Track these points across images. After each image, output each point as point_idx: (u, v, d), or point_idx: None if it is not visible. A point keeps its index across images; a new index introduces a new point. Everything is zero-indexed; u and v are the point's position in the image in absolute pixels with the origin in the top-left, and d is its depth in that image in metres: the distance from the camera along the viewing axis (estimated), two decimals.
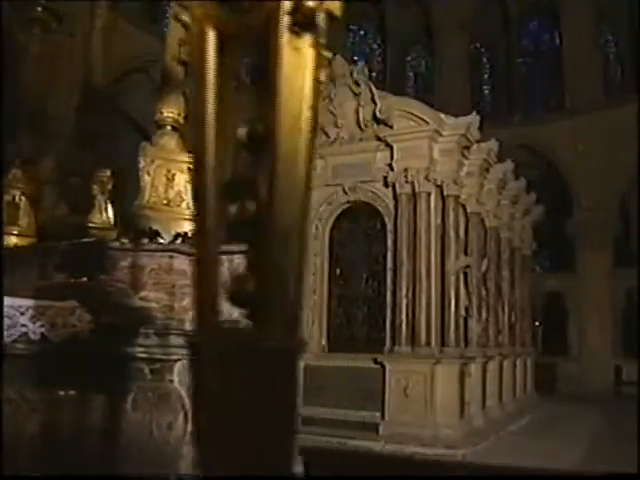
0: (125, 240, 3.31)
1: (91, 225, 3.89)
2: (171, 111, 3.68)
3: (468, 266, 11.00)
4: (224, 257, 3.39)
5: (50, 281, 3.29)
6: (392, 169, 10.41)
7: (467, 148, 10.87)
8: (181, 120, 3.74)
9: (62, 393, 3.03)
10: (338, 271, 11.39)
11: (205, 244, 1.11)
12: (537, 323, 23.72)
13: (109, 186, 3.94)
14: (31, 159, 4.52)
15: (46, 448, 2.89)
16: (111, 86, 16.08)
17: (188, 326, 3.02)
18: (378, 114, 10.41)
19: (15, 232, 4.15)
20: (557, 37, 25.06)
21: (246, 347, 0.98)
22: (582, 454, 9.58)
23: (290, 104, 0.94)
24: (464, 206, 11.37)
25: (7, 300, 2.81)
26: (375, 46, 28.86)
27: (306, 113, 0.95)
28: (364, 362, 10.14)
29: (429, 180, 10.19)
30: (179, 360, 3.15)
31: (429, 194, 10.27)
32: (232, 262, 3.33)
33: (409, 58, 28.59)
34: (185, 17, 3.36)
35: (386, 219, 10.79)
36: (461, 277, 10.64)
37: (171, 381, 3.11)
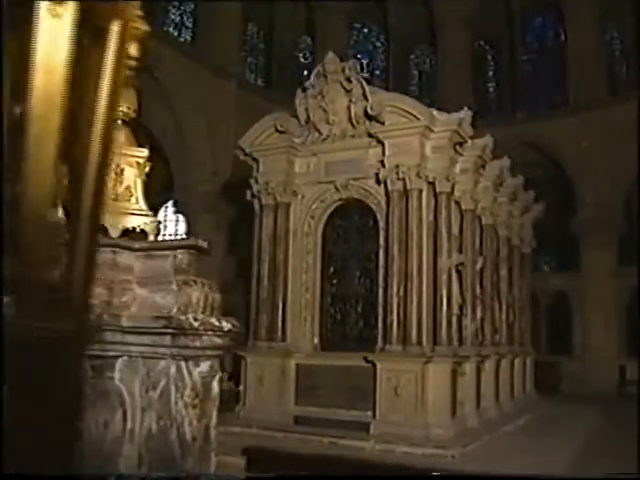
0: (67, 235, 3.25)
1: None
2: (121, 105, 3.62)
3: (462, 264, 10.88)
4: (168, 252, 3.34)
5: None
6: (384, 166, 10.30)
7: (460, 144, 10.74)
8: (132, 114, 3.68)
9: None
10: (331, 269, 11.31)
11: None
12: (547, 322, 23.57)
13: (66, 181, 3.87)
14: None
15: None
16: None
17: (124, 322, 2.95)
18: (369, 110, 10.30)
19: None
20: (562, 33, 24.84)
21: (9, 336, 0.90)
22: (576, 454, 9.44)
23: (46, 83, 0.87)
24: (459, 203, 11.27)
25: None
26: (378, 44, 28.72)
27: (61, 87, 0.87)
28: (356, 361, 10.05)
29: (420, 177, 10.08)
30: (120, 357, 3.10)
31: (420, 191, 10.15)
32: (176, 258, 3.27)
33: (413, 56, 28.46)
34: None
35: (378, 216, 10.69)
36: (454, 275, 10.52)
37: (111, 378, 3.05)
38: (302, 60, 27.61)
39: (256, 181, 11.46)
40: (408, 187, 10.10)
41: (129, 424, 3.00)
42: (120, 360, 3.07)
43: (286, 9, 25.80)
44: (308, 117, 11.09)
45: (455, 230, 11.00)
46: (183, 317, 2.89)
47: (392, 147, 10.23)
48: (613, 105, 20.87)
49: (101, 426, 2.98)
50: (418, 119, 10.03)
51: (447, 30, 25.76)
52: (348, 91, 10.73)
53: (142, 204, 3.55)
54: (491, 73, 27.14)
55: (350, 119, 10.75)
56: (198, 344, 2.94)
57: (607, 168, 20.70)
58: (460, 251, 11.07)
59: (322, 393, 10.35)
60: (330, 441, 9.29)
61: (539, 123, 22.75)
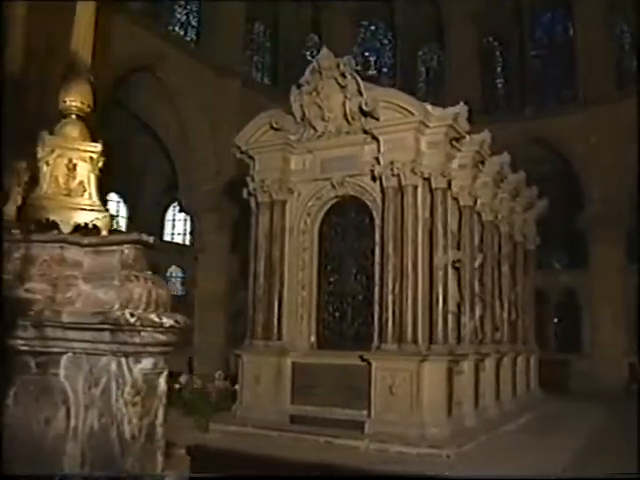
0: (16, 231, 3.22)
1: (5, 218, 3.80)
2: (75, 100, 3.58)
3: (459, 260, 10.74)
4: (115, 248, 3.28)
5: None
6: (379, 162, 10.18)
7: (458, 140, 10.61)
8: (86, 109, 3.64)
9: None
10: (327, 267, 11.21)
11: None
12: (555, 320, 23.37)
13: (25, 177, 3.85)
14: None
15: None
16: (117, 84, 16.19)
17: (65, 318, 2.91)
18: (364, 106, 10.19)
19: None
20: (570, 28, 24.56)
21: None
22: (575, 452, 9.30)
23: None
24: (457, 200, 11.14)
25: None
26: (386, 42, 28.58)
27: None
28: (352, 359, 9.94)
29: (415, 173, 9.94)
30: (65, 353, 3.05)
31: (416, 187, 10.01)
32: (122, 253, 3.22)
33: (420, 53, 28.31)
34: None
35: (374, 213, 10.58)
36: (450, 272, 10.39)
37: (55, 375, 3.01)
38: (309, 58, 27.54)
39: (252, 179, 11.40)
40: (403, 183, 9.97)
41: (72, 422, 2.96)
42: (65, 357, 3.03)
43: (292, 8, 25.77)
44: (303, 114, 11.01)
45: (453, 227, 10.86)
46: (119, 313, 2.84)
47: (387, 143, 10.11)
48: (622, 100, 20.63)
49: (42, 423, 2.95)
50: (412, 114, 9.90)
51: (455, 27, 25.59)
52: (343, 87, 10.63)
53: (95, 199, 3.51)
54: (499, 69, 26.92)
55: (345, 115, 10.65)
56: (137, 340, 2.89)
57: (615, 163, 20.45)
58: (458, 248, 10.93)
59: (318, 392, 10.26)
60: (326, 440, 9.22)
61: (547, 119, 22.57)
